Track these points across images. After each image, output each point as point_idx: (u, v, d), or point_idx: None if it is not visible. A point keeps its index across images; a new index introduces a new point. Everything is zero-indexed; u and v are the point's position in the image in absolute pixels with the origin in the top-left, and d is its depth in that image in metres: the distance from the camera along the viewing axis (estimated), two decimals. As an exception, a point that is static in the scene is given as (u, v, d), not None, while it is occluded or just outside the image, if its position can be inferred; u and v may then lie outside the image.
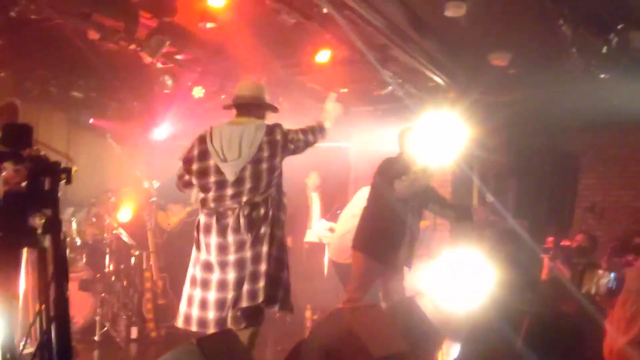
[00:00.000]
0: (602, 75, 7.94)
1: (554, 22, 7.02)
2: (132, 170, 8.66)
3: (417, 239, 6.54)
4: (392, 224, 6.24)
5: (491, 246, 8.99)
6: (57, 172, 2.65)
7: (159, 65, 8.13)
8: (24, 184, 2.75)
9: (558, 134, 10.89)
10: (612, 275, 4.30)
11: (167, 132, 9.73)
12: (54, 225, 2.62)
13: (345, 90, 9.68)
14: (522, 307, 6.84)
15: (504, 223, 10.23)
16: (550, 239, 8.13)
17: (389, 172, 6.24)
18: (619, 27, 6.97)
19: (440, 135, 9.33)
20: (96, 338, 7.30)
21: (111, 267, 7.99)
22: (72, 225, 7.55)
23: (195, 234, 5.02)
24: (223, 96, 9.27)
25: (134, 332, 7.69)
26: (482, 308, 7.70)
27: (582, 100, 8.97)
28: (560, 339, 4.73)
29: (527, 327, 4.69)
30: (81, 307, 7.34)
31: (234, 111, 5.43)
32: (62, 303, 2.55)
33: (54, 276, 2.57)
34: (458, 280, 8.31)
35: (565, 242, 8.61)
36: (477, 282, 8.26)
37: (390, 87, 9.05)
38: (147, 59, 7.70)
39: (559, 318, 5.34)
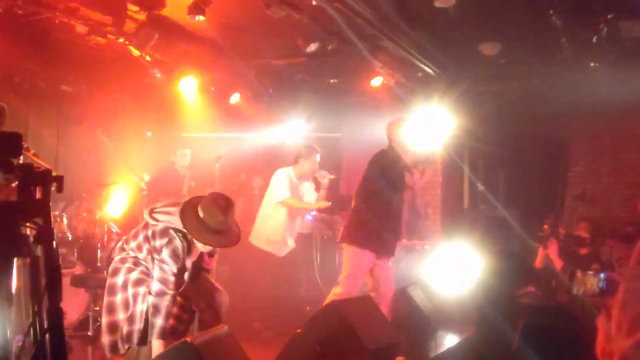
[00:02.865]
0: (592, 64, 7.96)
1: (543, 12, 7.03)
2: (122, 164, 8.63)
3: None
4: (392, 215, 6.36)
5: (481, 236, 9.03)
6: (48, 181, 2.64)
7: (148, 58, 8.09)
8: (14, 188, 2.74)
9: (548, 123, 10.92)
10: (602, 275, 4.31)
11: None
12: (46, 235, 2.61)
13: (336, 80, 9.68)
14: (527, 300, 6.88)
15: (494, 212, 10.28)
16: (546, 226, 8.10)
17: (382, 164, 6.34)
18: (609, 16, 6.98)
19: (431, 124, 9.38)
20: (90, 333, 7.25)
21: (103, 262, 7.96)
22: (63, 220, 7.52)
23: None
24: (212, 88, 9.27)
25: (127, 326, 7.66)
26: (474, 298, 7.73)
27: (572, 89, 9.00)
28: (557, 335, 4.76)
29: (524, 323, 4.71)
30: (74, 302, 7.30)
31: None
32: (55, 314, 2.54)
33: (47, 287, 2.56)
34: (450, 270, 8.34)
35: (562, 231, 8.57)
36: (469, 272, 8.30)
37: (380, 78, 9.05)
38: (136, 53, 7.68)
39: (557, 314, 5.35)
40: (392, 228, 6.37)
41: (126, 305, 4.92)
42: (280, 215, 7.72)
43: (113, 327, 4.95)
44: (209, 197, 4.90)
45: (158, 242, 4.81)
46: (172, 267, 4.78)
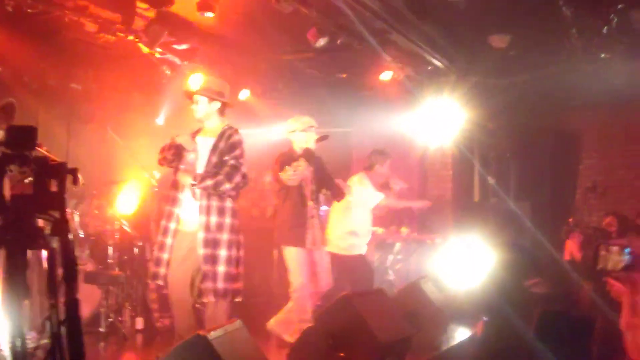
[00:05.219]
0: (602, 55, 7.92)
1: (553, 3, 7.00)
2: (133, 161, 8.63)
3: (319, 221, 6.91)
4: (296, 211, 6.66)
5: (493, 229, 9.00)
6: (64, 174, 2.65)
7: (158, 55, 8.10)
8: (28, 180, 2.75)
9: (559, 115, 10.88)
10: (627, 250, 4.33)
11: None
12: (62, 227, 2.62)
13: (345, 75, 9.67)
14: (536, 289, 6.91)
15: (505, 205, 10.26)
16: (570, 219, 8.12)
17: (278, 165, 6.64)
18: (619, 7, 6.95)
19: (441, 118, 9.38)
20: (102, 329, 7.28)
21: (115, 259, 7.98)
22: (74, 217, 7.53)
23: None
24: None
25: (139, 323, 7.67)
26: (485, 291, 7.73)
27: (583, 80, 8.95)
28: (571, 330, 4.76)
29: (538, 318, 4.73)
30: (86, 299, 7.29)
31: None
32: (72, 305, 2.56)
33: (64, 278, 2.58)
34: (461, 263, 8.32)
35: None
36: (480, 266, 8.28)
37: (390, 72, 9.03)
38: (146, 50, 7.69)
39: (570, 308, 5.37)
40: (296, 223, 6.62)
41: None
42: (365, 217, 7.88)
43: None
44: None
45: None
46: None
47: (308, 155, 6.61)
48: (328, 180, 7.03)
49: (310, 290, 6.74)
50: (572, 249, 7.92)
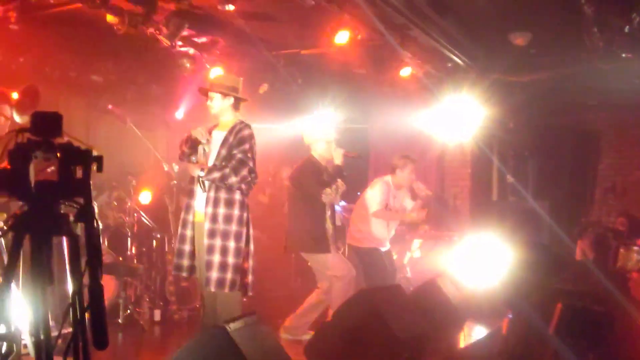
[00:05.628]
0: (623, 55, 7.83)
1: (575, 1, 6.94)
2: (152, 153, 8.66)
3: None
4: (316, 219, 7.09)
5: (511, 227, 8.96)
6: (89, 161, 2.65)
7: (178, 48, 8.10)
8: (51, 170, 2.76)
9: (579, 114, 10.83)
10: None
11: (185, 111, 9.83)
12: (87, 214, 2.63)
13: (364, 71, 9.63)
14: (557, 286, 6.90)
15: (523, 204, 10.22)
16: (583, 219, 8.11)
17: (310, 177, 7.10)
18: (642, 5, 6.89)
19: (460, 115, 9.35)
20: (120, 320, 7.34)
21: (133, 250, 8.02)
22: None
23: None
24: (241, 78, 9.24)
25: (157, 315, 7.72)
26: (505, 290, 7.69)
27: (603, 79, 8.88)
28: (591, 324, 4.74)
29: (559, 313, 4.70)
30: (104, 290, 7.32)
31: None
32: (96, 291, 2.57)
33: (88, 264, 2.59)
34: (479, 261, 8.30)
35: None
36: (497, 264, 8.25)
37: (409, 68, 9.00)
38: (166, 42, 7.70)
39: (589, 305, 5.34)
40: (317, 234, 7.06)
41: None
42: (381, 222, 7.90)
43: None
44: None
45: None
46: None
47: (340, 174, 7.04)
48: None
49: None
50: (584, 248, 7.89)
